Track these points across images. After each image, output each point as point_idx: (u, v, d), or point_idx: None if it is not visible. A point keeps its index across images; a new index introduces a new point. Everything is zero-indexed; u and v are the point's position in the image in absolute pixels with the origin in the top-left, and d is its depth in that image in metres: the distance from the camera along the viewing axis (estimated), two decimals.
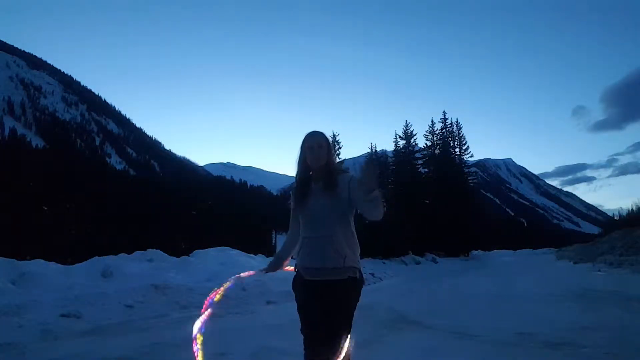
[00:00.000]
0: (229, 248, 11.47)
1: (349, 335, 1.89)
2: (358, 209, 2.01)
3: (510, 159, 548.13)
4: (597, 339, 3.99)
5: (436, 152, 32.50)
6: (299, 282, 2.09)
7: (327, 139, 2.14)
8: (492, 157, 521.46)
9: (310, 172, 2.14)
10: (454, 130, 32.74)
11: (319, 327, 1.93)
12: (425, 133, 32.87)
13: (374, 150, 28.80)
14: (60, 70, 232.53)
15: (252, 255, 12.00)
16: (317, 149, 2.09)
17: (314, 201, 2.06)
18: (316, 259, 2.01)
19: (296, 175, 2.19)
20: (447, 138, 32.42)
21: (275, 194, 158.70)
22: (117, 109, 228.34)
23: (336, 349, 1.84)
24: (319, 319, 1.94)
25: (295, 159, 2.18)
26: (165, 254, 9.61)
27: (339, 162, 20.06)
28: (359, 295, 2.03)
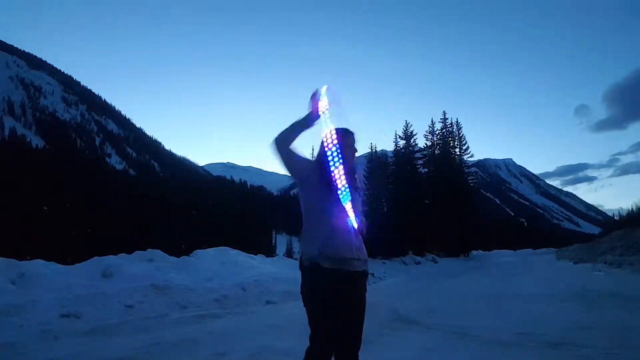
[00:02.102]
0: (229, 248, 11.47)
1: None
2: None
3: (510, 159, 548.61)
4: (597, 339, 3.98)
5: (436, 152, 32.51)
6: (324, 275, 1.90)
7: (355, 140, 2.09)
8: (492, 157, 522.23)
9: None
10: (454, 130, 32.77)
11: (347, 320, 1.95)
12: (425, 133, 32.91)
13: (374, 150, 28.78)
14: (60, 70, 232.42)
15: (252, 255, 11.99)
16: (347, 149, 2.03)
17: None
18: (350, 249, 1.96)
19: (323, 163, 2.00)
20: (447, 138, 32.43)
21: (275, 194, 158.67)
22: (117, 109, 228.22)
23: (360, 340, 1.99)
24: (349, 312, 1.95)
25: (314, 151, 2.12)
26: (166, 254, 9.62)
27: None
28: None
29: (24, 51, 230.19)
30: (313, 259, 1.92)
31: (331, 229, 1.94)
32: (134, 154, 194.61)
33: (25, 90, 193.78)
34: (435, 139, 32.63)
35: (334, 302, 1.90)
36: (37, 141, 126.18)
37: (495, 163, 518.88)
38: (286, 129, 1.99)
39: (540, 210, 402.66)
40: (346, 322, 1.93)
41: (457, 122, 33.09)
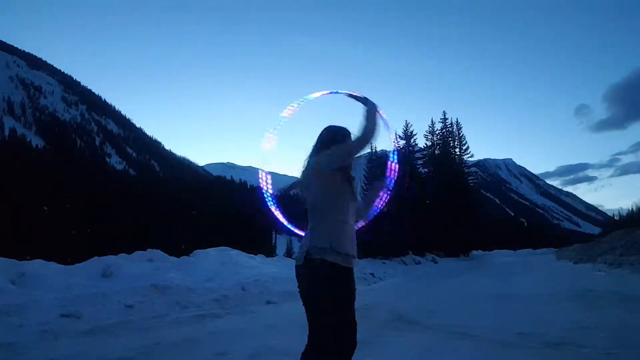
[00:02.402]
0: (229, 248, 11.45)
1: None
2: None
3: (510, 159, 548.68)
4: (597, 339, 3.99)
5: (436, 152, 32.54)
6: (331, 270, 1.90)
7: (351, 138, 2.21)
8: (492, 157, 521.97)
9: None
10: (454, 130, 32.82)
11: (345, 319, 1.96)
12: (425, 133, 32.94)
13: (373, 150, 28.79)
14: (60, 70, 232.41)
15: (252, 255, 11.97)
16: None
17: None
18: (354, 247, 2.00)
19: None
20: (447, 138, 32.47)
21: (275, 194, 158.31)
22: (117, 109, 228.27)
23: (355, 340, 1.98)
24: (347, 310, 1.96)
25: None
26: (165, 254, 9.60)
27: None
28: None
29: (24, 51, 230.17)
30: (322, 252, 1.90)
31: (344, 224, 1.98)
32: (134, 154, 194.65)
33: (25, 90, 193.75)
34: (435, 139, 32.68)
35: (335, 299, 1.89)
36: (37, 141, 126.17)
37: (495, 163, 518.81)
38: (376, 121, 2.03)
39: (540, 210, 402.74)
40: (344, 321, 1.93)
41: (457, 122, 33.20)
